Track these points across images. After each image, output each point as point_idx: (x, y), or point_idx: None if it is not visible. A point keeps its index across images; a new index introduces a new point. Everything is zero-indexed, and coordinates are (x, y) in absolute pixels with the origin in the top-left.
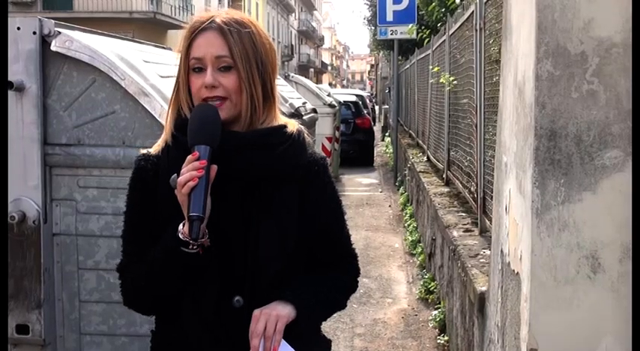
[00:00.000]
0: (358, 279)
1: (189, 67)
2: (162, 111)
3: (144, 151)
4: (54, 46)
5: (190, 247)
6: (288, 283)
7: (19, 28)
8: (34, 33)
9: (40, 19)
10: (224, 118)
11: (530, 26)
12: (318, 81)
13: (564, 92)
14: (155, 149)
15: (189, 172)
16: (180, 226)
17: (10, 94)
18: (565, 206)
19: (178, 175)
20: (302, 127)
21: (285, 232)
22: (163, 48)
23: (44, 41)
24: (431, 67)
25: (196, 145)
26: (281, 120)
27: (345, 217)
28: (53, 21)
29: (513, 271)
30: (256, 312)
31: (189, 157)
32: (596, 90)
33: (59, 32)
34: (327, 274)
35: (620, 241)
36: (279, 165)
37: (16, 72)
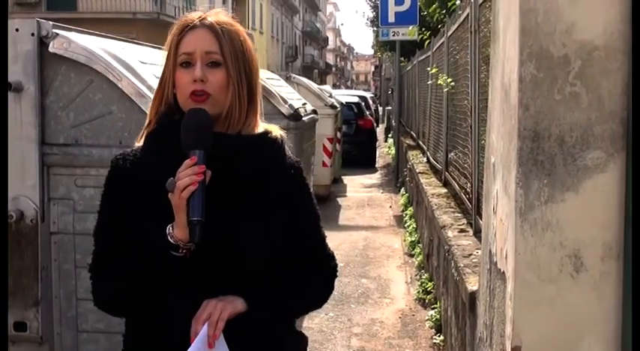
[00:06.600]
0: (335, 279)
1: (177, 63)
2: None
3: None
4: (52, 48)
5: (180, 251)
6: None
7: (17, 30)
8: (32, 34)
9: (37, 21)
10: None
11: (514, 29)
12: (322, 82)
13: (547, 94)
14: (136, 147)
15: (189, 176)
16: (169, 229)
17: (9, 94)
18: (548, 206)
19: (173, 179)
20: (282, 132)
21: (267, 234)
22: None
23: (42, 43)
24: (429, 68)
25: (193, 149)
26: (262, 125)
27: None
28: (51, 22)
29: (500, 270)
30: (205, 301)
31: (188, 161)
32: (579, 92)
33: (57, 34)
34: (301, 274)
35: (602, 241)
36: (264, 169)
37: (14, 73)
